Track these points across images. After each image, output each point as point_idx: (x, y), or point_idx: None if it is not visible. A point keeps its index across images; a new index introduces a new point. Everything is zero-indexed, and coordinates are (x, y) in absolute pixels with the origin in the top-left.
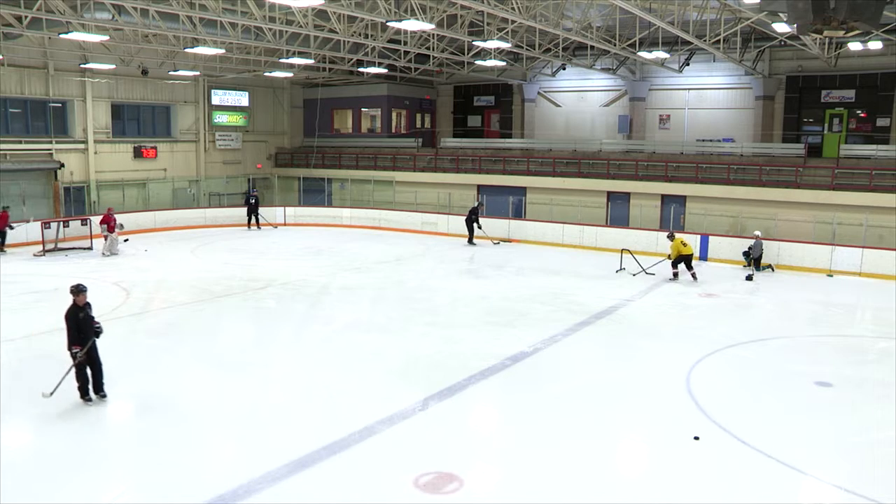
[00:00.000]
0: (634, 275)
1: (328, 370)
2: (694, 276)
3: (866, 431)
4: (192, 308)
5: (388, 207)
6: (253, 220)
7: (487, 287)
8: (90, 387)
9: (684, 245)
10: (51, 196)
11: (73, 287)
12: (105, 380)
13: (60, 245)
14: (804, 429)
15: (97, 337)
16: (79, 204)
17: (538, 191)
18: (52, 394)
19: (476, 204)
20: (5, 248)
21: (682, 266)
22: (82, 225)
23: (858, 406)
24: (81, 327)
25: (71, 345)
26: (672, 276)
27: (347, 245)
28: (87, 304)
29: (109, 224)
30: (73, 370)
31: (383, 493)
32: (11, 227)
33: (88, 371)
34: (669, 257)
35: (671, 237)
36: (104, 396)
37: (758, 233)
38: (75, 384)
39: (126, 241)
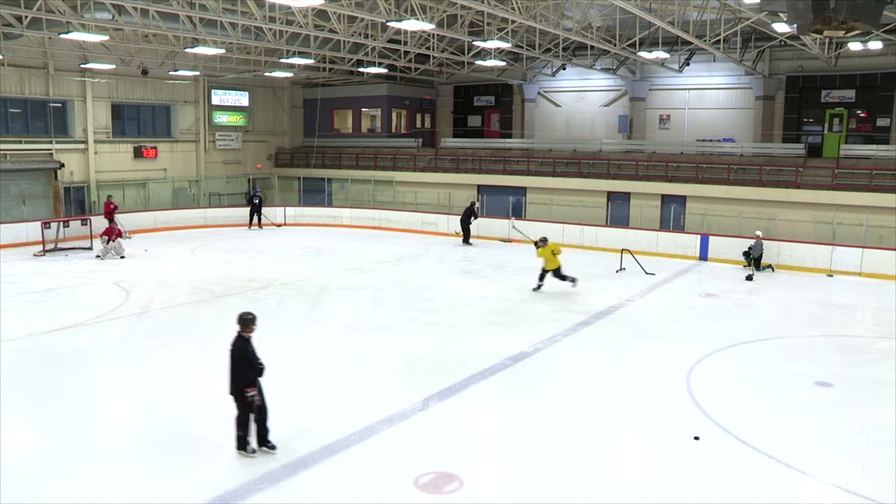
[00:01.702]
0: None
1: (328, 370)
2: (539, 287)
3: (866, 431)
4: (192, 308)
5: (388, 207)
6: (255, 220)
7: (487, 287)
8: (251, 437)
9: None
10: (51, 196)
11: (242, 315)
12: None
13: (60, 245)
14: (804, 429)
15: (260, 375)
16: (79, 204)
17: (538, 191)
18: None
19: (469, 204)
20: (129, 235)
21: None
22: (82, 225)
23: (858, 406)
24: (253, 364)
25: (244, 386)
26: (539, 286)
27: (347, 245)
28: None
29: (111, 236)
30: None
31: (383, 493)
32: (117, 225)
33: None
34: (548, 271)
35: (544, 244)
36: (273, 448)
37: (758, 233)
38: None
39: (129, 237)
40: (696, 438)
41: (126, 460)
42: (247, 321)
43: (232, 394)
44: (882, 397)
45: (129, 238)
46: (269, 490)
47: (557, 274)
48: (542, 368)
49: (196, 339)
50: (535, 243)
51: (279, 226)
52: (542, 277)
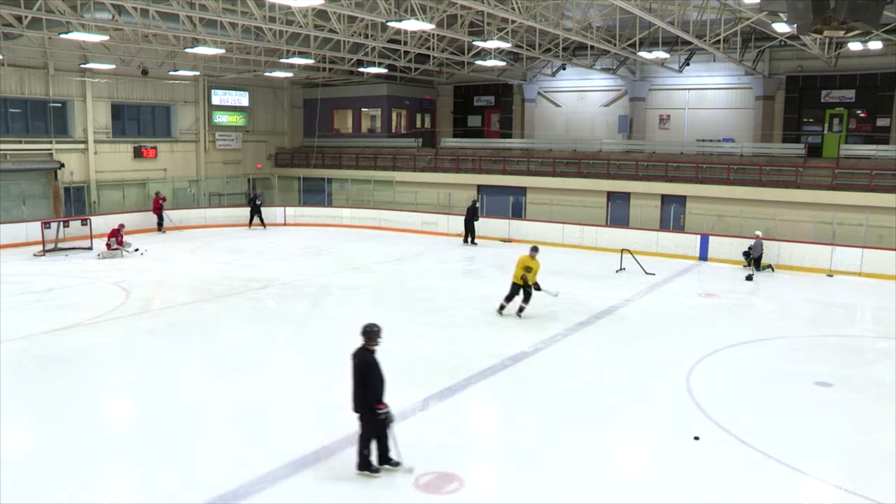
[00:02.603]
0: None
1: (328, 370)
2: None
3: (866, 431)
4: (193, 308)
5: (388, 207)
6: (256, 220)
7: (487, 287)
8: (373, 456)
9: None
10: (51, 196)
11: (367, 328)
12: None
13: (60, 245)
14: (804, 429)
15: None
16: (79, 204)
17: (538, 191)
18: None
19: (471, 203)
20: (165, 230)
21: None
22: (82, 225)
23: (858, 406)
24: (382, 379)
25: (375, 403)
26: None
27: (347, 245)
28: None
29: (117, 238)
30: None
31: (383, 493)
32: (163, 222)
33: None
34: (533, 285)
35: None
36: (397, 465)
37: (758, 233)
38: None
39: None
40: (696, 438)
41: (126, 460)
42: (372, 333)
43: (358, 411)
44: (882, 397)
45: (166, 232)
46: (269, 490)
47: (530, 288)
48: (542, 368)
49: (196, 339)
50: (531, 251)
51: (279, 225)
52: (526, 297)
